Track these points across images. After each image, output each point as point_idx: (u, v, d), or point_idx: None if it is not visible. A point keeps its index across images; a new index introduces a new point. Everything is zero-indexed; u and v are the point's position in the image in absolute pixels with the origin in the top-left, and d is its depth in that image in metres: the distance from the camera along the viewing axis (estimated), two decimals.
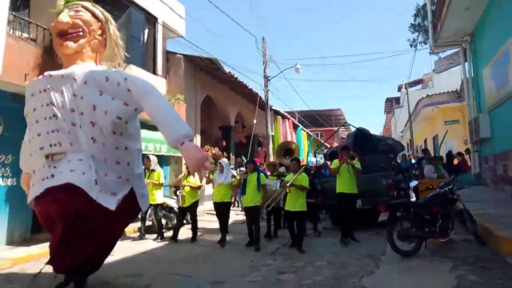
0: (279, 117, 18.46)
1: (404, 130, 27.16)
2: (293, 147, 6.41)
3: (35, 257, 5.63)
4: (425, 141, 23.02)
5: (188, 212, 7.29)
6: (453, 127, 16.46)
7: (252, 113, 15.29)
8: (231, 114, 15.41)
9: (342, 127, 30.89)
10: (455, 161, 7.52)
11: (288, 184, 6.00)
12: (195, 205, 7.16)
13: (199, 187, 7.28)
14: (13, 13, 6.33)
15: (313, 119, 31.61)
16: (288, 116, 19.86)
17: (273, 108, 17.30)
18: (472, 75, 10.61)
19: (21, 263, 5.40)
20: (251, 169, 6.54)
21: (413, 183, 5.68)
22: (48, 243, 3.21)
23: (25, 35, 6.53)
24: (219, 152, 12.88)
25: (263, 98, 15.48)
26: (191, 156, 2.49)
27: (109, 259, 5.38)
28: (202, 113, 13.39)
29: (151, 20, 10.43)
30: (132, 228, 7.76)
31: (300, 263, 5.08)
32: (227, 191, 6.78)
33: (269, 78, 15.87)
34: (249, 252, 5.94)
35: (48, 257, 3.15)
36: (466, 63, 10.84)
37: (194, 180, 7.14)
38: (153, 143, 8.84)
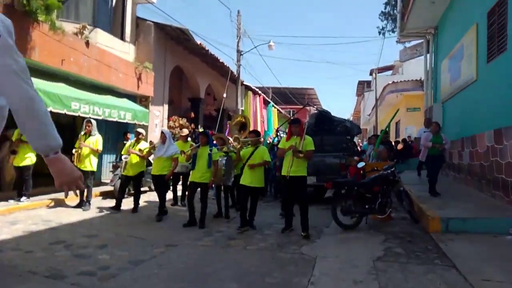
0: (250, 92, 18.50)
1: (371, 114, 28.04)
2: (244, 120, 6.23)
3: None
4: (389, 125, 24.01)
5: (132, 181, 6.93)
6: (414, 114, 17.26)
7: (223, 87, 15.26)
8: (201, 86, 15.28)
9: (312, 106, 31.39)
10: (399, 146, 8.06)
11: (248, 163, 5.58)
12: (140, 175, 6.90)
13: (146, 156, 6.90)
14: None
15: (286, 97, 31.87)
16: (259, 92, 19.96)
17: (244, 83, 17.33)
18: (433, 66, 11.17)
19: None
20: (204, 142, 5.91)
21: (360, 165, 6.12)
22: None
23: None
24: (187, 123, 12.95)
25: (235, 73, 15.49)
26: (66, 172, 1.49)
27: (65, 220, 5.54)
28: (171, 83, 13.26)
29: None
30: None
31: (251, 230, 5.45)
32: (166, 163, 6.42)
33: (242, 53, 15.85)
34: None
35: None
36: (428, 55, 11.36)
37: (144, 148, 6.81)
38: (117, 110, 8.79)
